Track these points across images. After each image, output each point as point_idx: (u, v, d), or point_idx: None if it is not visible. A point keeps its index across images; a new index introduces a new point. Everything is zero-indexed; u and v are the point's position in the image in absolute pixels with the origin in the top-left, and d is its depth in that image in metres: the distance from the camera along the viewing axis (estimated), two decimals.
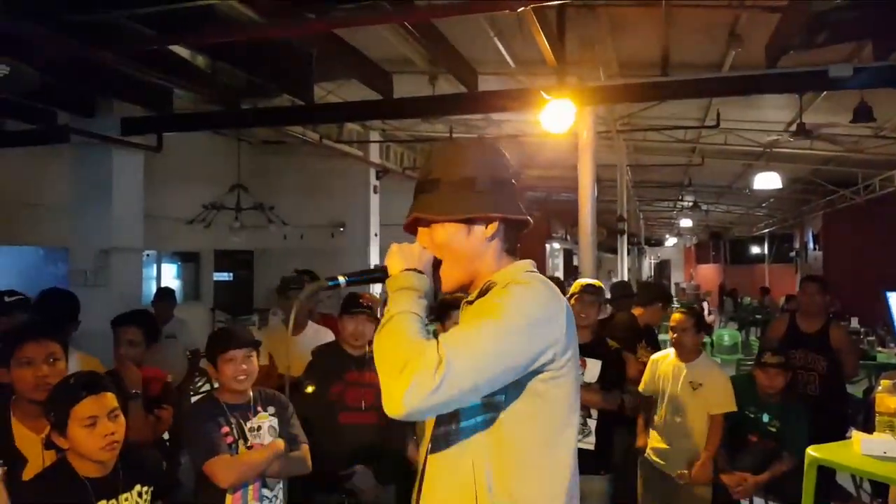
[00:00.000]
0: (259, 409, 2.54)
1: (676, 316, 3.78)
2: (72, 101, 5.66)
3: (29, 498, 1.94)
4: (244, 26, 4.32)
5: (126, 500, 2.04)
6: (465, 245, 1.38)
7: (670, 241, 29.76)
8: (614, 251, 12.00)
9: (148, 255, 7.22)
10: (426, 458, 1.39)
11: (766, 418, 3.68)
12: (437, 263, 1.40)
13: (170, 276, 8.31)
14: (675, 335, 3.73)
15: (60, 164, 5.62)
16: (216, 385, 2.63)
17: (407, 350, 1.20)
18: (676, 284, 27.97)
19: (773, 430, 3.65)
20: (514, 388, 1.28)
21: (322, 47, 5.27)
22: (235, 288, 8.40)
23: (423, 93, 5.88)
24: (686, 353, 3.71)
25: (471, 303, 1.39)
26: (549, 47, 4.49)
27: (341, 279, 1.41)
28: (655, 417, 3.78)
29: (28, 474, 2.09)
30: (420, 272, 1.36)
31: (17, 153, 6.58)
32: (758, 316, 16.14)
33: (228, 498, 2.40)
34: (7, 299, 3.13)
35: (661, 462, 3.71)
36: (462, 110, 6.37)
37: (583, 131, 5.94)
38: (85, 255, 5.78)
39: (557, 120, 5.04)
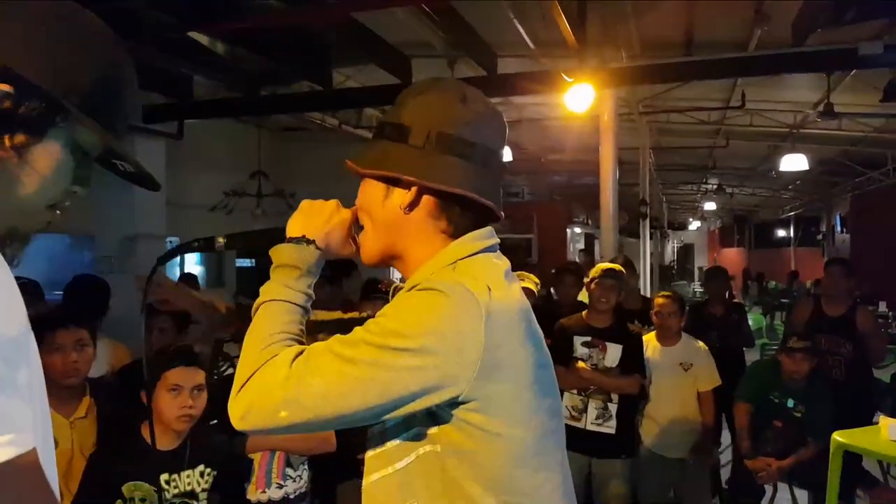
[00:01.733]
0: None
1: (660, 300, 3.81)
2: None
3: (100, 465, 2.05)
4: (263, 12, 4.32)
5: (188, 476, 2.13)
6: (380, 211, 1.10)
7: (694, 224, 29.41)
8: (637, 235, 11.88)
9: (171, 241, 7.30)
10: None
11: (790, 403, 3.65)
12: (359, 225, 1.16)
13: (192, 262, 8.40)
14: (659, 320, 3.74)
15: None
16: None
17: (254, 359, 1.00)
18: (700, 268, 27.68)
19: (798, 415, 3.62)
20: (438, 416, 1.01)
21: (340, 32, 5.25)
22: (257, 274, 8.45)
23: (441, 76, 5.85)
24: (670, 337, 3.79)
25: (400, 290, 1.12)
26: (569, 28, 4.43)
27: (220, 241, 1.19)
28: (646, 405, 3.78)
29: (58, 457, 2.14)
30: (309, 242, 1.10)
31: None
32: (784, 300, 15.95)
33: (254, 475, 2.44)
34: None
35: (659, 447, 3.72)
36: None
37: (604, 114, 5.87)
38: (110, 243, 5.87)
39: (578, 102, 4.98)
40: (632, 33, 5.68)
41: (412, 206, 1.08)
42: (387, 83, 5.83)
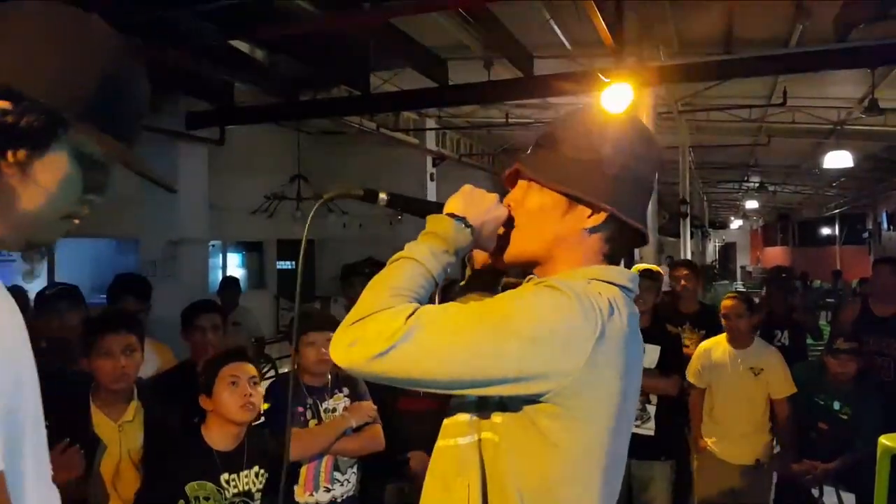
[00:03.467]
0: (336, 391, 2.62)
1: (728, 302, 3.69)
2: None
3: (162, 466, 2.13)
4: (302, 19, 4.39)
5: (245, 476, 2.19)
6: (556, 224, 1.13)
7: (735, 223, 28.87)
8: (677, 235, 11.70)
9: (213, 245, 7.45)
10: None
11: (836, 406, 3.56)
12: (509, 225, 1.17)
13: (234, 265, 8.56)
14: (728, 322, 3.65)
15: None
16: (280, 371, 2.71)
17: (378, 302, 1.02)
18: (742, 268, 27.14)
19: (845, 417, 3.53)
20: (509, 407, 1.04)
21: (377, 37, 5.31)
22: (297, 277, 8.59)
23: (478, 79, 5.86)
24: (741, 339, 3.64)
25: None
26: (606, 27, 4.41)
27: (383, 196, 1.18)
28: (709, 408, 3.71)
29: (107, 460, 2.21)
30: (467, 226, 1.10)
31: None
32: (829, 300, 15.53)
33: (301, 477, 2.48)
34: (47, 293, 3.18)
35: (722, 451, 3.65)
36: (518, 95, 6.31)
37: (642, 113, 5.80)
38: (154, 246, 6.02)
39: (616, 102, 4.94)
40: (670, 31, 5.61)
41: (595, 229, 1.12)
42: (424, 86, 5.88)
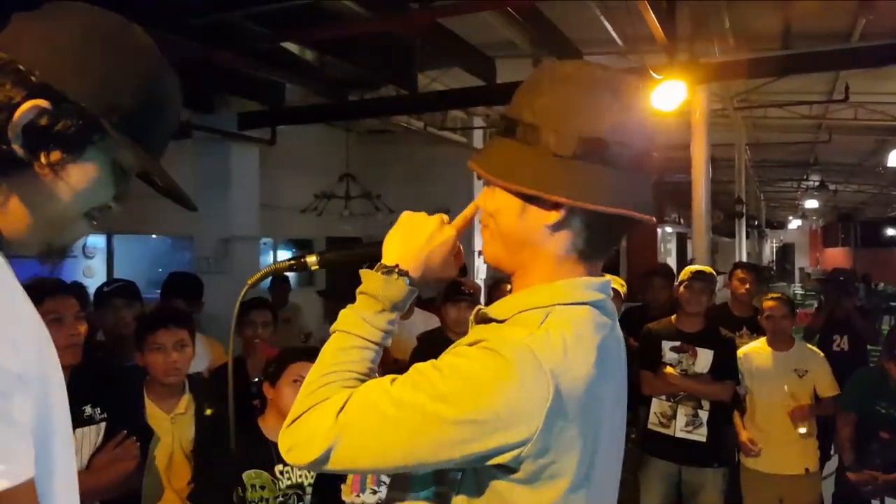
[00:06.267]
0: None
1: (770, 303, 3.59)
2: (192, 99, 6.03)
3: (219, 455, 2.17)
4: (351, 20, 4.44)
5: (298, 469, 2.22)
6: (514, 226, 0.96)
7: (794, 223, 27.97)
8: (732, 235, 11.41)
9: (264, 242, 7.59)
10: None
11: None
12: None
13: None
14: (770, 324, 3.54)
15: (183, 159, 6.02)
16: None
17: (310, 396, 0.95)
18: (801, 269, 26.28)
19: None
20: (470, 475, 0.93)
21: (424, 36, 5.32)
22: (346, 273, 8.67)
23: (526, 76, 5.82)
24: (784, 341, 3.58)
25: (486, 321, 1.00)
26: (658, 23, 4.31)
27: (312, 259, 1.11)
28: (751, 415, 3.60)
29: (160, 451, 2.28)
30: (401, 273, 0.99)
31: None
32: (893, 303, 14.91)
33: (349, 477, 2.50)
34: (105, 289, 3.27)
35: (769, 460, 3.54)
36: None
37: (696, 110, 5.67)
38: (207, 244, 6.17)
39: (668, 100, 4.84)
40: (725, 26, 5.46)
41: (557, 227, 0.95)
42: (471, 85, 5.86)
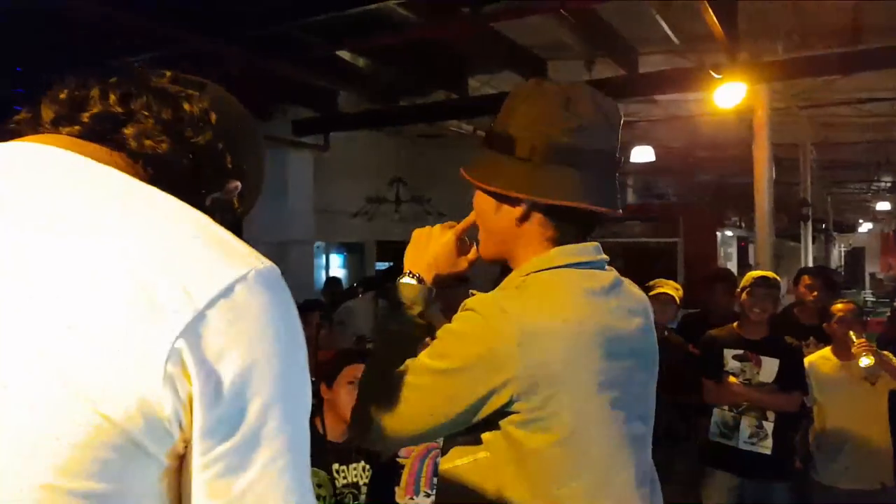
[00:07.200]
0: None
1: (839, 310, 3.40)
2: (249, 108, 6.15)
3: None
4: (403, 28, 4.45)
5: (354, 469, 2.29)
6: (493, 221, 1.18)
7: (864, 226, 26.82)
8: (797, 239, 10.99)
9: (318, 246, 7.70)
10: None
11: None
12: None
13: (336, 265, 8.80)
14: (840, 329, 3.35)
15: None
16: None
17: (371, 386, 1.17)
18: (872, 275, 25.15)
19: None
20: (491, 426, 1.09)
21: (475, 40, 5.29)
22: (396, 276, 8.75)
23: (579, 78, 5.72)
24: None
25: None
26: (717, 20, 4.17)
27: (358, 288, 1.41)
28: (820, 428, 3.42)
29: None
30: (412, 276, 1.24)
31: None
32: None
33: (403, 479, 2.50)
34: None
35: (841, 475, 3.35)
36: (621, 94, 6.10)
37: (758, 109, 5.49)
38: (264, 248, 6.26)
39: (729, 100, 4.69)
40: (789, 21, 5.25)
41: (522, 219, 1.14)
42: None
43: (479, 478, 1.11)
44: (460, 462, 1.14)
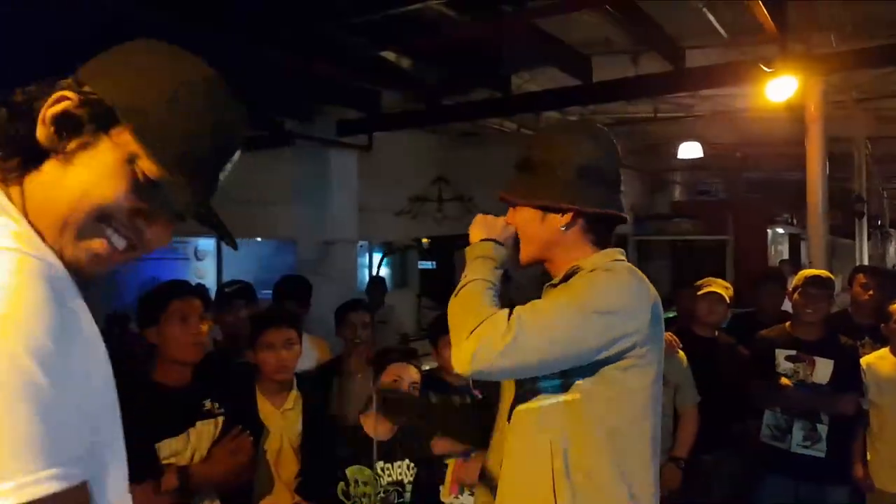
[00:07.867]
0: (475, 390, 2.68)
1: None
2: (293, 109, 6.24)
3: (327, 450, 2.30)
4: (446, 26, 4.45)
5: (398, 467, 2.34)
6: (540, 231, 1.44)
7: None
8: (852, 236, 10.63)
9: (362, 245, 7.76)
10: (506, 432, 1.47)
11: None
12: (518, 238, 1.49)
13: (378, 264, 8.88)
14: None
15: (286, 166, 6.24)
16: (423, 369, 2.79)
17: (479, 314, 1.28)
18: None
19: None
20: (590, 371, 1.32)
21: (517, 38, 5.26)
22: (439, 275, 8.72)
23: (624, 73, 5.64)
24: None
25: (554, 286, 1.43)
26: (767, 12, 4.07)
27: (424, 241, 1.48)
28: (877, 431, 3.29)
29: (269, 443, 2.37)
30: (499, 243, 1.44)
31: (250, 158, 7.39)
32: None
33: (448, 477, 2.51)
34: (227, 290, 3.43)
35: (893, 482, 3.23)
36: (668, 90, 6.01)
37: (810, 103, 5.32)
38: (309, 247, 6.38)
39: (780, 94, 4.56)
40: (842, 12, 5.08)
41: (569, 226, 1.42)
42: (567, 84, 5.74)
43: (564, 417, 1.33)
44: (546, 402, 1.35)
